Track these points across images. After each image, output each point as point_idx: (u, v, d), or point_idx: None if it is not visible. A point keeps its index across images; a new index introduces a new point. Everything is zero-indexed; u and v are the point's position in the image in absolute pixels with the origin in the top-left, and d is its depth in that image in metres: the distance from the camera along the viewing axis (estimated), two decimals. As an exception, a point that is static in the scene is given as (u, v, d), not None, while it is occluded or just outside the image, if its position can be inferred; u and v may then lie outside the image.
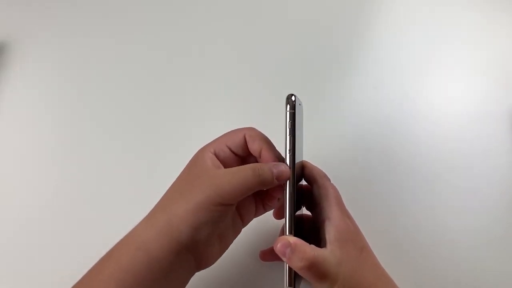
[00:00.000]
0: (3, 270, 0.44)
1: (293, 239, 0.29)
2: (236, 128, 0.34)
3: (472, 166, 0.50)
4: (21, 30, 0.63)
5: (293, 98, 0.30)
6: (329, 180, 0.36)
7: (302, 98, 0.57)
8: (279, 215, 0.37)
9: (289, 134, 0.30)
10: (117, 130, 0.54)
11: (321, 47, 0.62)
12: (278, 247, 0.29)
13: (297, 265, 0.28)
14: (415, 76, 0.58)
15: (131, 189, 0.49)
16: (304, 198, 0.36)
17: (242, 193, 0.29)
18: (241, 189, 0.29)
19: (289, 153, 0.31)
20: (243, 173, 0.29)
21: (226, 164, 0.32)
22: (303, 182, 0.37)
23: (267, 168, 0.30)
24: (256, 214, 0.36)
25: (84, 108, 0.56)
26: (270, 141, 0.34)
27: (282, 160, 0.32)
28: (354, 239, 0.32)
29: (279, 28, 0.64)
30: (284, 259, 0.29)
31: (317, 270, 0.28)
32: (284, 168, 0.30)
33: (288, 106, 0.30)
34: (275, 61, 0.60)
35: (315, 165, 0.37)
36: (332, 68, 0.59)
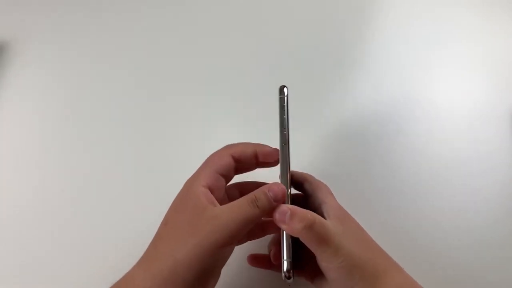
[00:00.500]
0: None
1: (290, 206, 0.29)
2: (214, 153, 0.33)
3: (472, 166, 0.50)
4: (21, 30, 0.63)
5: (285, 90, 0.36)
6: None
7: (302, 98, 0.57)
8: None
9: (282, 115, 0.34)
10: (117, 130, 0.54)
11: (321, 46, 0.62)
12: (276, 216, 0.28)
13: (297, 227, 0.27)
14: (415, 75, 0.58)
15: (130, 189, 0.49)
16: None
17: (246, 228, 0.28)
18: (244, 225, 0.28)
19: (284, 131, 0.34)
20: (242, 209, 0.28)
21: (218, 193, 0.31)
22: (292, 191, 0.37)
23: (262, 194, 0.29)
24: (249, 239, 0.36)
25: (84, 108, 0.56)
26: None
27: (277, 150, 0.34)
28: (351, 219, 0.32)
29: (278, 27, 0.64)
30: (283, 226, 0.28)
31: (319, 232, 0.27)
32: (277, 187, 0.30)
33: (280, 93, 0.36)
34: (275, 61, 0.60)
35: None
36: (332, 67, 0.59)
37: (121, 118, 0.55)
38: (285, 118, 0.34)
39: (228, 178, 0.33)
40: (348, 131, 0.53)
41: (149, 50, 0.62)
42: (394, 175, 0.49)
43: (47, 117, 0.55)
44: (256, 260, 0.38)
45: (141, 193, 0.48)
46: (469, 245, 0.44)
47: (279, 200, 0.29)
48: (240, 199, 0.29)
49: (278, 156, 0.33)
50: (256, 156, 0.33)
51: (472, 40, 0.61)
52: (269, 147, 0.34)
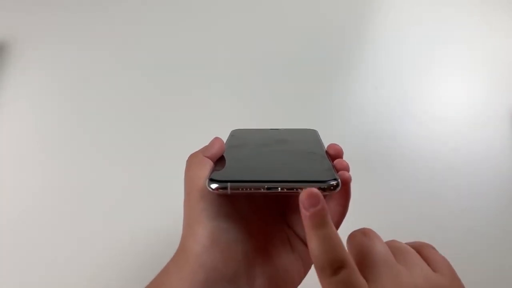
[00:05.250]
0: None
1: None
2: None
3: (472, 165, 0.50)
4: (21, 30, 0.63)
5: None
6: None
7: (303, 98, 0.57)
8: None
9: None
10: (116, 130, 0.54)
11: (322, 47, 0.62)
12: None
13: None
14: (415, 76, 0.58)
15: (129, 189, 0.49)
16: None
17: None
18: None
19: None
20: None
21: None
22: None
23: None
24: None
25: (84, 108, 0.56)
26: None
27: None
28: None
29: (279, 28, 0.64)
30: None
31: None
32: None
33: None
34: (276, 61, 0.60)
35: None
36: (333, 68, 0.59)
37: (121, 118, 0.55)
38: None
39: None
40: (348, 131, 0.53)
41: (149, 50, 0.61)
42: (394, 175, 0.49)
43: (47, 117, 0.55)
44: None
45: (141, 193, 0.48)
46: (469, 244, 0.44)
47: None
48: None
49: None
50: None
51: (472, 40, 0.61)
52: None
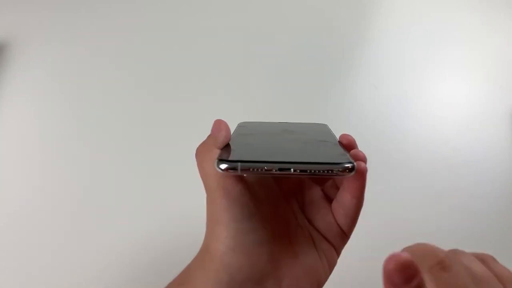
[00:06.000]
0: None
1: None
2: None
3: (472, 166, 0.50)
4: (21, 30, 0.63)
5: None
6: None
7: (303, 98, 0.57)
8: None
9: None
10: (117, 129, 0.54)
11: (322, 46, 0.62)
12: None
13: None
14: (415, 76, 0.58)
15: (129, 189, 0.49)
16: None
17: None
18: None
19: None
20: None
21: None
22: None
23: None
24: None
25: (84, 108, 0.56)
26: None
27: None
28: None
29: (279, 28, 0.64)
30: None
31: None
32: None
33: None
34: (275, 61, 0.60)
35: None
36: (332, 67, 0.59)
37: (121, 117, 0.55)
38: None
39: None
40: (348, 131, 0.53)
41: (150, 50, 0.61)
42: (394, 175, 0.49)
43: (47, 117, 0.55)
44: None
45: (141, 192, 0.48)
46: (469, 245, 0.44)
47: None
48: None
49: None
50: None
51: (472, 41, 0.61)
52: None
